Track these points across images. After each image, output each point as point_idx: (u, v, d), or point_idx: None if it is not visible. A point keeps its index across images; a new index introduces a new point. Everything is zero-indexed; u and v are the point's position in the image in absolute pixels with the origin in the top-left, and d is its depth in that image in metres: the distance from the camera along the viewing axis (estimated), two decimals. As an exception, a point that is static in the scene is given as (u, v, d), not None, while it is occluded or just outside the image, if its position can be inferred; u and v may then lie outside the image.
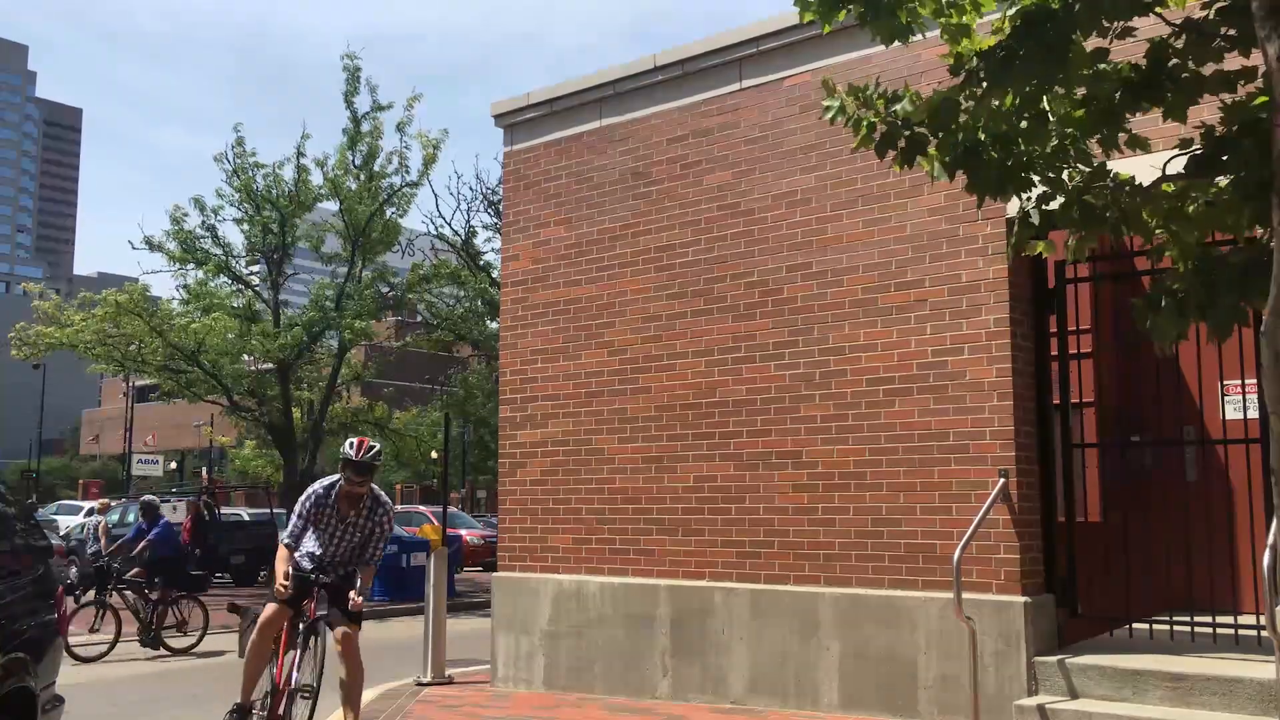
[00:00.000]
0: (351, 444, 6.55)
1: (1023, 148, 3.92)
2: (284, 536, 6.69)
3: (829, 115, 4.07)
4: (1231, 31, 3.71)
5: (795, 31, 7.84)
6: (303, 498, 6.69)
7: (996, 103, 3.74)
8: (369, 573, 6.67)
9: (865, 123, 3.99)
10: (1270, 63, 3.10)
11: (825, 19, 3.88)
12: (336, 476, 6.64)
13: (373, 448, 6.59)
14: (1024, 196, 4.06)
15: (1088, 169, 4.00)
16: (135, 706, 9.00)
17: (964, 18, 3.84)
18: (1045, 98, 3.78)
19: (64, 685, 6.14)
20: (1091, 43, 3.82)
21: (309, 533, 6.66)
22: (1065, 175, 4.03)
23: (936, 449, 7.05)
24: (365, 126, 19.69)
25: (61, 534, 23.73)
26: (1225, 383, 7.02)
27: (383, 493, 6.78)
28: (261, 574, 23.09)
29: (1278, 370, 3.02)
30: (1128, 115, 3.82)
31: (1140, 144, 3.90)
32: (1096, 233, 4.08)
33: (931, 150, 3.97)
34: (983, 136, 3.84)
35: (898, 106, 3.95)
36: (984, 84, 3.64)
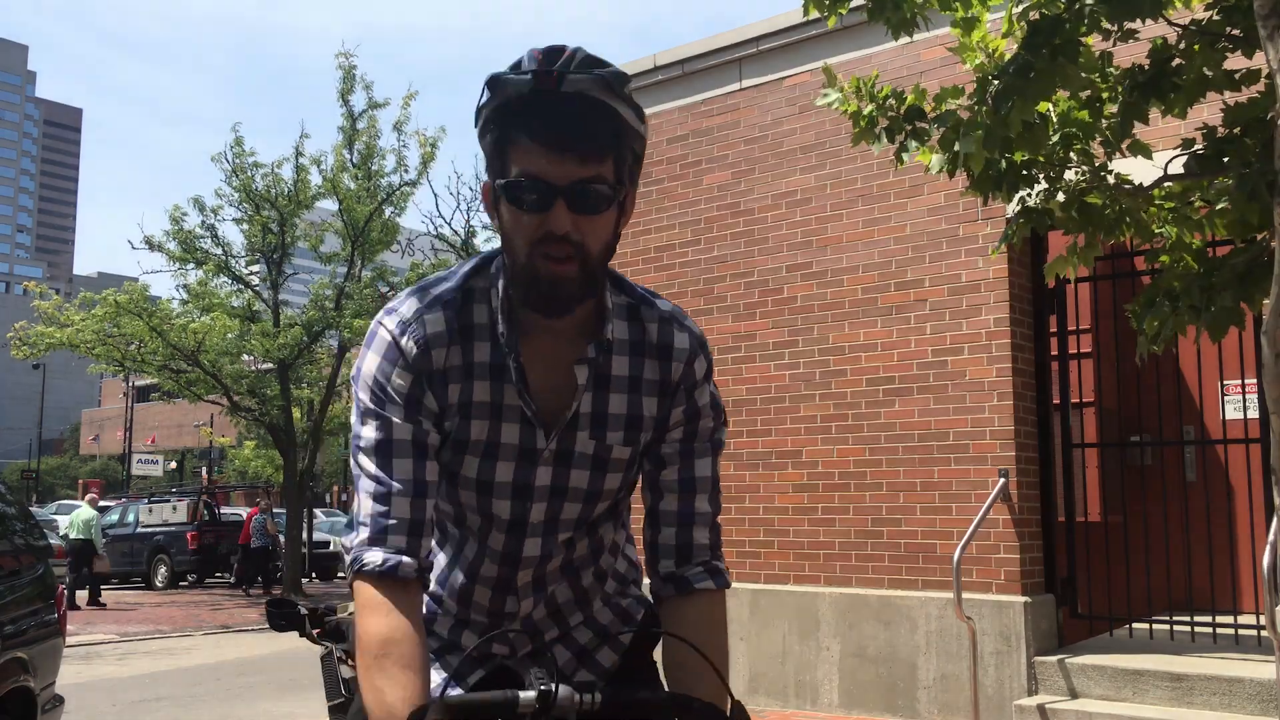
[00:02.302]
0: (530, 53, 1.50)
1: (1023, 156, 3.92)
2: (353, 544, 1.56)
3: (824, 101, 4.06)
4: (1236, 32, 3.71)
5: (795, 31, 7.84)
6: (364, 370, 1.61)
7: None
8: (712, 621, 1.67)
9: (866, 115, 3.99)
10: (1272, 62, 3.09)
11: (831, 12, 3.89)
12: (494, 254, 1.65)
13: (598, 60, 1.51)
14: (1025, 193, 4.06)
15: (1089, 169, 4.00)
16: (135, 706, 9.00)
17: (971, 10, 3.85)
18: (1050, 99, 3.78)
19: (64, 685, 6.14)
20: (1095, 46, 3.82)
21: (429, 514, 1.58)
22: (1067, 175, 4.04)
23: (936, 449, 7.05)
24: (361, 125, 19.68)
25: (61, 534, 23.72)
26: (1225, 383, 7.02)
27: (656, 297, 1.73)
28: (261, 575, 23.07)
29: (1278, 370, 3.02)
30: (1134, 121, 3.82)
31: (1142, 150, 3.90)
32: (1097, 234, 4.08)
33: (930, 148, 3.97)
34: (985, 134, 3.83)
35: (893, 100, 3.96)
36: (1001, 99, 3.64)
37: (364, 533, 1.55)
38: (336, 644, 2.53)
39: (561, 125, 1.47)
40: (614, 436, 1.68)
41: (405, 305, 1.61)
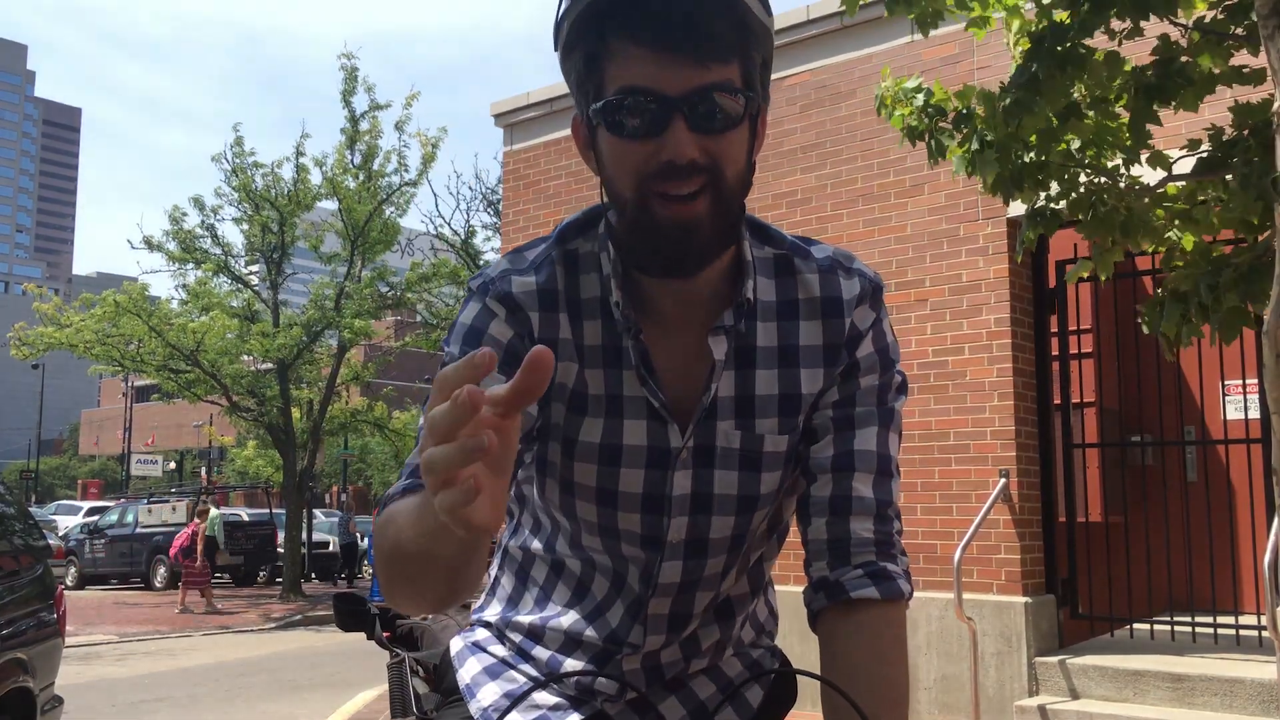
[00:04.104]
0: None
1: (1041, 151, 3.93)
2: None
3: (877, 104, 4.15)
4: (1240, 31, 3.71)
5: (795, 31, 7.83)
6: (459, 322, 1.26)
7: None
8: (874, 646, 1.31)
9: (900, 116, 4.04)
10: (1273, 60, 3.09)
11: (850, 6, 3.95)
12: (599, 209, 1.28)
13: None
14: (1039, 195, 4.08)
15: (1101, 172, 4.00)
16: (135, 707, 8.99)
17: (989, 8, 3.89)
18: (1078, 91, 3.80)
19: (64, 685, 6.14)
20: (1101, 45, 3.83)
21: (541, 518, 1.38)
22: (1081, 177, 4.04)
23: (937, 449, 7.04)
24: (363, 125, 19.69)
25: (61, 534, 23.74)
26: (1225, 383, 7.02)
27: (814, 243, 1.33)
28: (261, 574, 23.07)
29: (1279, 370, 3.02)
30: (1149, 125, 3.82)
31: (1161, 161, 3.91)
32: (1112, 236, 4.09)
33: (955, 147, 3.99)
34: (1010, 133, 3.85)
35: (918, 101, 3.99)
36: (1013, 107, 3.66)
37: (398, 483, 1.13)
38: (409, 651, 2.16)
39: (671, 17, 1.08)
40: (765, 424, 1.30)
41: (494, 268, 1.27)
